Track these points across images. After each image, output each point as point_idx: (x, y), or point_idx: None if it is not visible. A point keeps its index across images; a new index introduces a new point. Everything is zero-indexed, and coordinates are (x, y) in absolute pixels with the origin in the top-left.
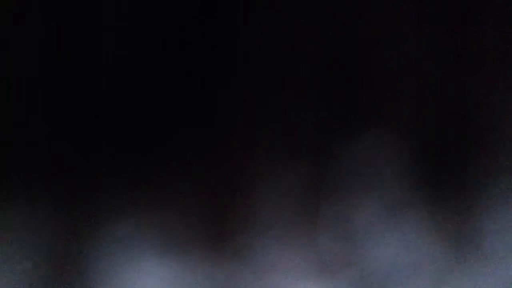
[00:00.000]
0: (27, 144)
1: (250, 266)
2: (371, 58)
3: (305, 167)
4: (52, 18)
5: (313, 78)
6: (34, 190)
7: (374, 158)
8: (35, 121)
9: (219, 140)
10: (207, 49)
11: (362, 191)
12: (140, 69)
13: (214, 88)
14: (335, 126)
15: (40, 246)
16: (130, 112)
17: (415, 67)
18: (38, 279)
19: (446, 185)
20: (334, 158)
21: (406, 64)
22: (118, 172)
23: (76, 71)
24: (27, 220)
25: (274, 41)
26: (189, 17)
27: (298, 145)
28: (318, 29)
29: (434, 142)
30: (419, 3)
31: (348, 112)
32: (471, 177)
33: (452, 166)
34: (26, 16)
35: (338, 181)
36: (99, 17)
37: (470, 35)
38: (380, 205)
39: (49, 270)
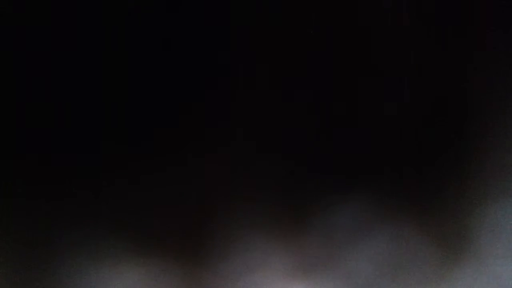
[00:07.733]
0: None
1: (232, 266)
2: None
3: (291, 163)
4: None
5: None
6: None
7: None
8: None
9: (201, 141)
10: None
11: (349, 190)
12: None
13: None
14: (330, 123)
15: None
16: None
17: (412, 65)
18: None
19: (438, 183)
20: (319, 156)
21: (403, 63)
22: (93, 174)
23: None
24: None
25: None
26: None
27: (287, 141)
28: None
29: (428, 140)
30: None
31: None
32: (464, 175)
33: (444, 164)
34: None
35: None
36: None
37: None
38: (367, 204)
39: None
